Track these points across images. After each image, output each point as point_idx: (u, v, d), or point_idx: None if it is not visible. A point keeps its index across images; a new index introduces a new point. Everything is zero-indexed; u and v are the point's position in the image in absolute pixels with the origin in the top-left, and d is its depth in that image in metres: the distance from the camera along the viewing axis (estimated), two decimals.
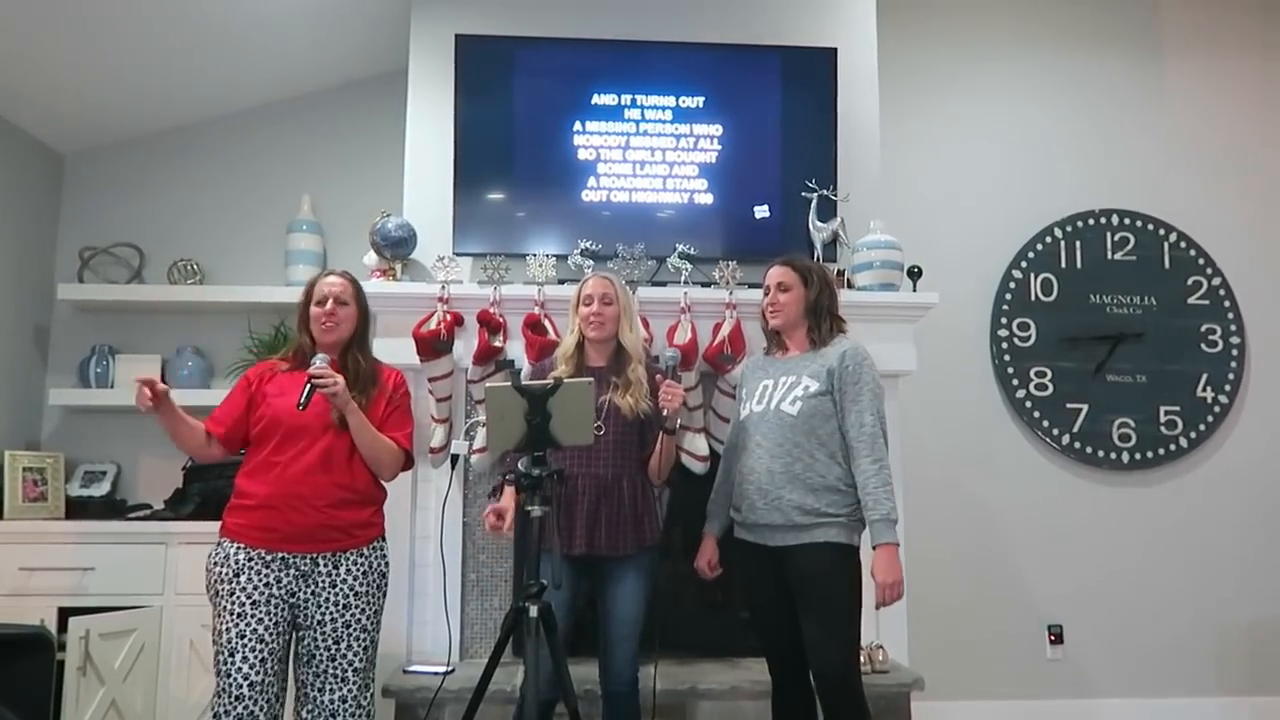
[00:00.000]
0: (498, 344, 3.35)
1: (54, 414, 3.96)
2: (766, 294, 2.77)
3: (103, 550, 3.42)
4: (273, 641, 2.44)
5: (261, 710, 2.40)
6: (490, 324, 3.35)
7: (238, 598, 2.43)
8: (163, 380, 3.79)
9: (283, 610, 2.47)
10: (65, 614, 3.25)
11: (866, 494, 2.52)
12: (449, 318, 3.34)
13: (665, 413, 2.65)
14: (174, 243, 4.09)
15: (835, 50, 3.75)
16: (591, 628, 2.78)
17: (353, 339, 2.68)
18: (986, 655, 4.18)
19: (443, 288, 3.38)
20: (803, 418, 2.58)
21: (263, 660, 2.41)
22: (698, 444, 3.38)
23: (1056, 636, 4.23)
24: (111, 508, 3.75)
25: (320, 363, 2.51)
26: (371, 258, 3.57)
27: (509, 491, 2.64)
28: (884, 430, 2.59)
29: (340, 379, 2.52)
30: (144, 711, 3.34)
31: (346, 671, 2.51)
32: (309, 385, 2.46)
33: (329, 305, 2.63)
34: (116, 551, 3.43)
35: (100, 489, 3.80)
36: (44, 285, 3.99)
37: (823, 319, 2.72)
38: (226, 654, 2.40)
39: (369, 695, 2.58)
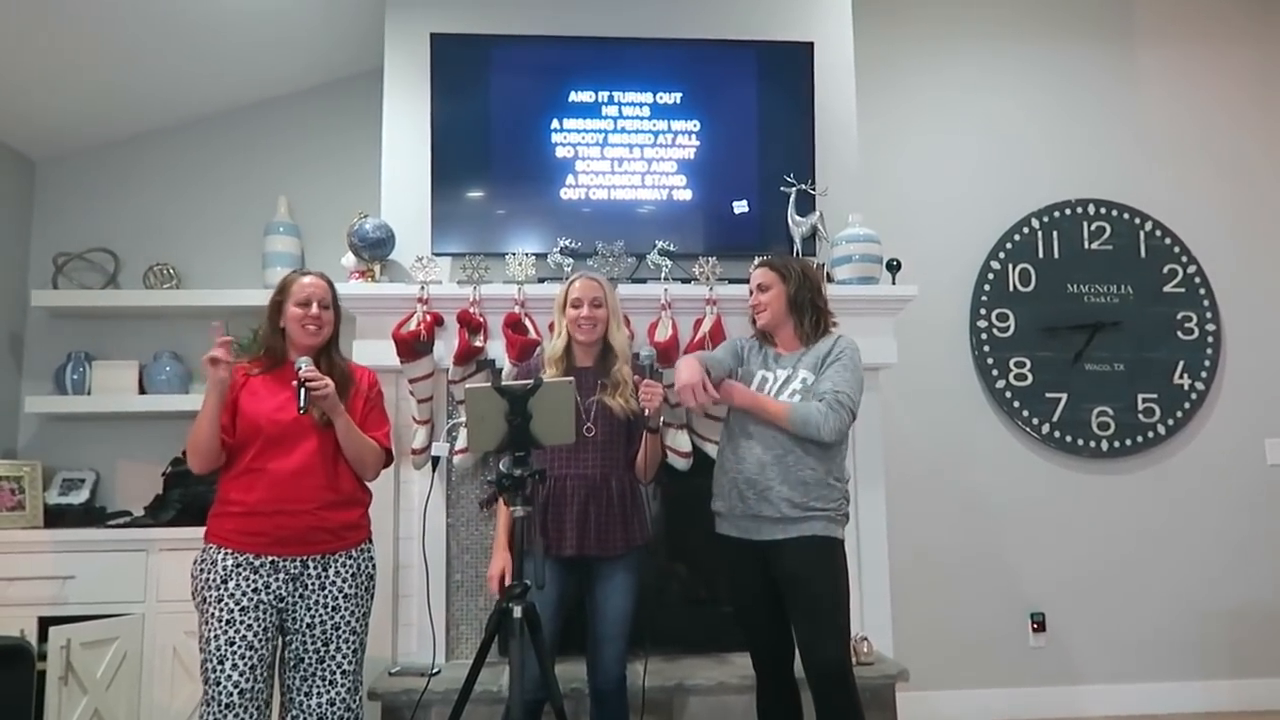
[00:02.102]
0: (478, 344, 3.34)
1: (30, 422, 3.92)
2: (751, 295, 2.80)
3: (82, 558, 3.39)
4: (261, 648, 2.42)
5: (250, 717, 2.38)
6: (470, 324, 3.34)
7: (226, 604, 2.41)
8: (141, 388, 3.83)
9: (271, 616, 2.46)
10: (45, 624, 3.22)
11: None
12: (429, 318, 3.33)
13: (646, 412, 2.66)
14: (149, 247, 4.05)
15: (811, 45, 3.75)
16: (580, 627, 2.78)
17: (330, 341, 2.67)
18: (970, 645, 4.21)
19: (422, 288, 3.36)
20: None
21: (252, 667, 2.39)
22: (681, 440, 3.38)
23: (1039, 625, 4.26)
24: (91, 515, 3.71)
25: (308, 365, 2.49)
26: (349, 259, 3.55)
27: (505, 554, 2.62)
28: (851, 403, 2.58)
29: (330, 381, 2.51)
30: None
31: (335, 674, 2.50)
32: (303, 389, 2.45)
33: (314, 308, 2.60)
34: (96, 559, 3.40)
35: (79, 497, 3.77)
36: (17, 292, 3.94)
37: (806, 312, 2.73)
38: (215, 661, 2.38)
39: (358, 699, 2.57)
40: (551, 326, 2.92)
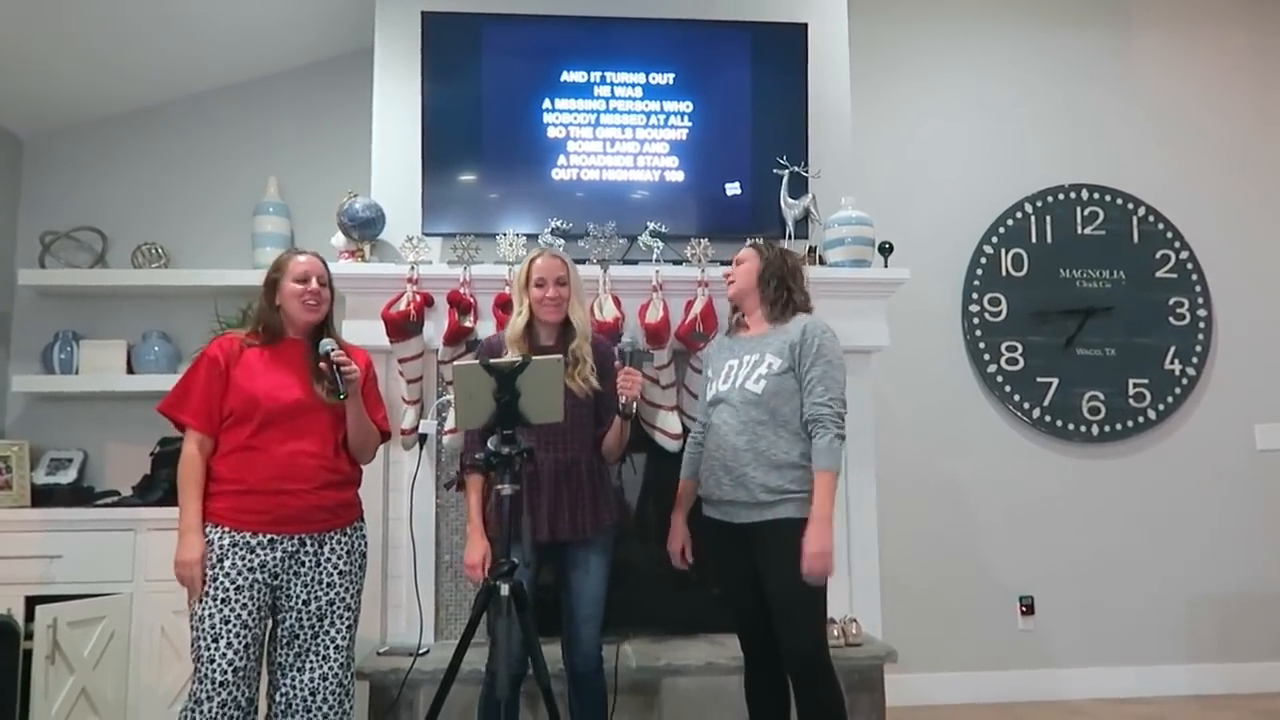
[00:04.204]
0: (468, 324, 3.33)
1: (17, 401, 3.90)
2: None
3: (70, 538, 3.39)
4: (255, 627, 2.42)
5: (242, 695, 2.38)
6: (460, 304, 3.33)
7: (221, 583, 2.40)
8: (129, 368, 3.81)
9: (264, 595, 2.45)
10: (32, 603, 3.21)
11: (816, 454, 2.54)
12: (419, 298, 3.32)
13: (623, 400, 2.62)
14: (138, 226, 4.02)
15: (805, 26, 3.73)
16: (552, 608, 2.76)
17: (326, 320, 2.65)
18: (959, 627, 4.22)
19: (412, 268, 3.35)
20: (767, 395, 2.59)
21: (246, 646, 2.39)
22: (670, 422, 3.38)
23: (1028, 608, 4.28)
24: (78, 495, 3.70)
25: (335, 348, 2.50)
26: (339, 239, 3.53)
27: (483, 540, 2.61)
28: (844, 405, 2.57)
29: (356, 365, 2.52)
30: (115, 700, 3.31)
31: (328, 649, 2.51)
32: (338, 372, 2.45)
33: (313, 284, 2.59)
34: (84, 539, 3.39)
35: (66, 476, 3.75)
36: (4, 271, 3.91)
37: (770, 286, 2.71)
38: (209, 640, 2.37)
39: (350, 675, 2.57)
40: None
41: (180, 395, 2.52)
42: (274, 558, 2.46)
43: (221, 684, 2.35)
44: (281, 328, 2.61)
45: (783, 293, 2.71)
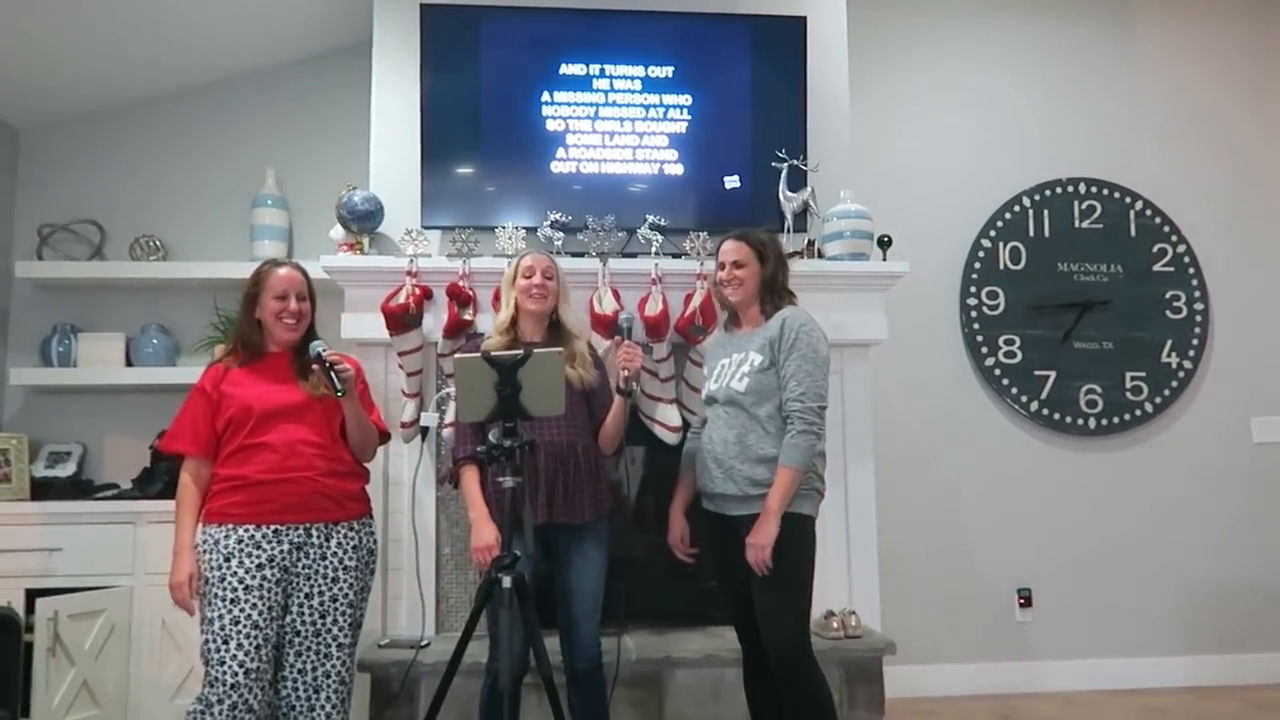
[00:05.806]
0: (468, 317, 3.32)
1: (16, 394, 3.89)
2: (722, 269, 2.76)
3: (70, 531, 3.39)
4: (266, 627, 2.40)
5: (254, 698, 2.36)
6: (460, 297, 3.33)
7: (229, 582, 2.39)
8: (128, 361, 3.80)
9: (275, 595, 2.44)
10: (33, 595, 3.22)
11: (783, 448, 2.53)
12: (418, 291, 3.31)
13: (625, 374, 2.64)
14: (136, 218, 4.01)
15: (804, 19, 3.73)
16: (552, 600, 2.76)
17: (308, 332, 2.65)
18: (957, 619, 4.24)
19: (411, 261, 3.34)
20: (750, 393, 2.62)
21: (257, 647, 2.37)
22: (669, 415, 3.39)
23: (1026, 600, 4.30)
24: (78, 488, 3.70)
25: (325, 347, 2.51)
26: (338, 231, 3.52)
27: (491, 523, 2.59)
28: (820, 400, 2.56)
29: (348, 364, 2.55)
30: (116, 692, 3.32)
31: (330, 647, 2.50)
32: (330, 370, 2.47)
33: (292, 302, 2.58)
34: (84, 532, 3.40)
35: (66, 469, 3.75)
36: (1, 263, 3.90)
37: (778, 295, 2.74)
38: (220, 641, 2.35)
39: (351, 674, 2.56)
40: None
41: (173, 430, 2.56)
42: (281, 551, 2.45)
43: (233, 686, 2.33)
44: (263, 343, 2.62)
45: (779, 296, 2.73)
